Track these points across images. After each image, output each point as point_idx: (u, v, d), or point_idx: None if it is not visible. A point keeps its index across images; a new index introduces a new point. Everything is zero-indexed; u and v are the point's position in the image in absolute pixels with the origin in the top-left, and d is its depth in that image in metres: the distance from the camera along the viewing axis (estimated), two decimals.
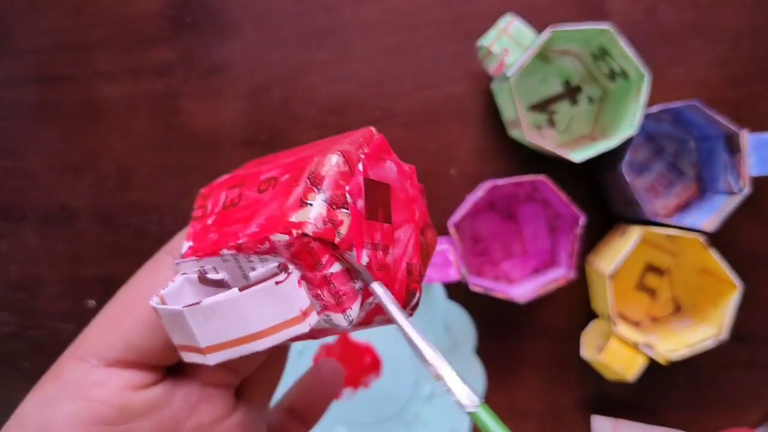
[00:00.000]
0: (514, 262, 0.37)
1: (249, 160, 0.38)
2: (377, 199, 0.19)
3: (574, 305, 0.38)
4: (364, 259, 0.17)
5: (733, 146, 0.33)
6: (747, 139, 0.33)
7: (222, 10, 0.38)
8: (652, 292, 0.37)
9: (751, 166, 0.33)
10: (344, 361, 0.37)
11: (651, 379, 0.37)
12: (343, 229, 0.16)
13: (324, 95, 0.38)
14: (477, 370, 0.37)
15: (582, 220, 0.33)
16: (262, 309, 0.16)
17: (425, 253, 0.20)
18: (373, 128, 0.19)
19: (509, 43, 0.33)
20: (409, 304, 0.19)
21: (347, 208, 0.17)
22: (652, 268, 0.37)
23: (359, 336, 0.37)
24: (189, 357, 0.18)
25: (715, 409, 0.38)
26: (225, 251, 0.17)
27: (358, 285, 0.17)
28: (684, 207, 0.37)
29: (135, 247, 0.39)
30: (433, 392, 0.38)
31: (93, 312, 0.40)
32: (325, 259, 0.16)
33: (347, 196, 0.17)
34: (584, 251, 0.37)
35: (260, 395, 0.23)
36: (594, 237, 0.37)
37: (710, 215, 0.34)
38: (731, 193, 0.33)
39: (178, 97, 0.39)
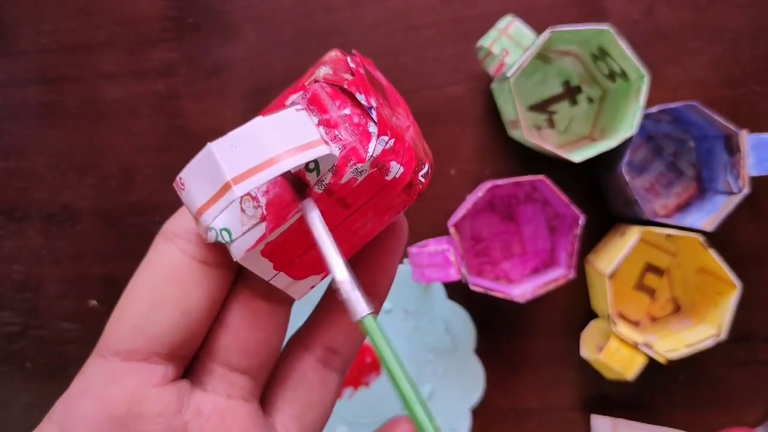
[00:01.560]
0: (513, 262, 0.37)
1: None
2: (374, 83, 0.20)
3: (574, 305, 0.38)
4: (374, 103, 0.18)
5: (732, 146, 0.33)
6: (746, 139, 0.33)
7: (223, 11, 0.39)
8: (651, 292, 0.37)
9: (750, 166, 0.33)
10: None
11: (650, 379, 0.37)
12: (350, 77, 0.19)
13: None
14: (477, 370, 0.38)
15: (581, 220, 0.33)
16: (284, 133, 0.17)
17: (421, 150, 0.21)
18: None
19: (509, 43, 0.33)
20: (419, 171, 0.20)
21: (352, 74, 0.19)
22: (652, 268, 0.37)
23: None
24: (210, 214, 0.17)
25: (715, 408, 0.38)
26: None
27: (371, 127, 0.18)
28: (683, 207, 0.37)
29: (137, 247, 0.40)
30: (433, 391, 0.38)
31: (95, 311, 0.40)
32: (338, 102, 0.18)
33: (350, 62, 0.19)
34: (584, 251, 0.37)
35: (293, 420, 0.22)
36: (594, 237, 0.38)
37: (709, 215, 0.34)
38: (730, 193, 0.34)
39: (180, 97, 0.39)
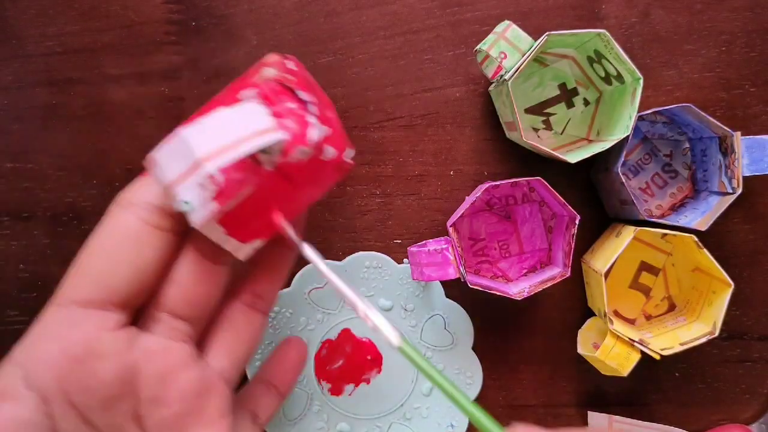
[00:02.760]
0: (511, 261, 0.38)
1: None
2: (309, 82, 0.24)
3: (571, 303, 0.39)
4: (312, 99, 0.22)
5: (726, 147, 0.34)
6: (740, 140, 0.33)
7: (226, 15, 0.39)
8: (646, 291, 0.37)
9: (744, 166, 0.33)
10: (347, 358, 0.38)
11: (646, 376, 0.38)
12: (293, 78, 0.22)
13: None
14: (475, 367, 0.38)
15: (578, 219, 0.33)
16: (246, 120, 0.20)
17: (347, 138, 0.26)
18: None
19: (507, 47, 0.34)
20: (348, 155, 0.25)
21: (293, 75, 0.23)
22: (647, 267, 0.37)
23: (361, 334, 0.38)
24: (184, 186, 0.20)
25: (709, 405, 0.38)
26: None
27: (311, 118, 0.22)
28: (678, 207, 0.37)
29: None
30: (433, 388, 0.38)
31: None
32: (284, 98, 0.22)
33: (286, 63, 0.23)
34: (580, 250, 0.38)
35: (224, 356, 0.26)
36: (590, 236, 0.38)
37: (704, 215, 0.34)
38: (725, 193, 0.34)
39: (184, 100, 0.40)
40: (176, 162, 0.20)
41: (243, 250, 0.24)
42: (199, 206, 0.21)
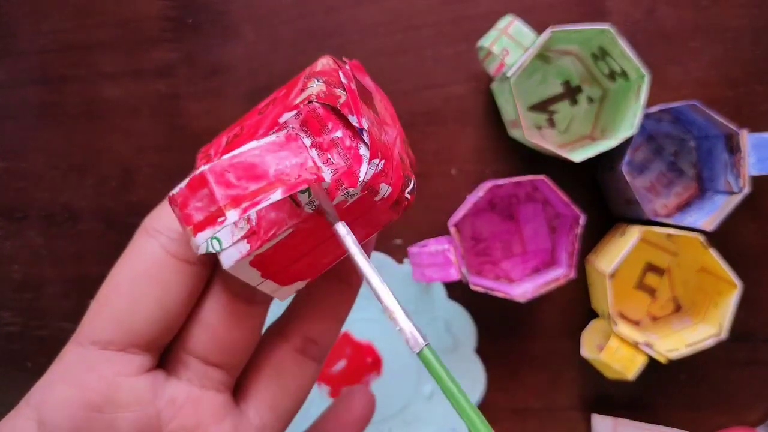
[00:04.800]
0: (514, 262, 0.37)
1: None
2: (364, 94, 0.20)
3: (574, 305, 0.38)
4: (365, 125, 0.18)
5: (732, 146, 0.33)
6: (747, 138, 0.33)
7: (223, 11, 0.39)
8: (652, 292, 0.37)
9: (751, 165, 0.33)
10: (346, 361, 0.37)
11: (651, 378, 0.37)
12: (343, 98, 0.18)
13: None
14: (477, 370, 0.38)
15: (582, 219, 0.33)
16: (278, 159, 0.17)
17: (407, 164, 0.21)
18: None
19: (509, 43, 0.33)
20: (406, 188, 0.20)
21: (343, 89, 0.18)
22: (652, 268, 0.37)
23: (361, 335, 0.38)
24: (204, 235, 0.18)
25: (716, 407, 0.38)
26: None
27: (362, 150, 0.18)
28: (684, 206, 0.37)
29: None
30: (434, 392, 0.38)
31: None
32: (330, 124, 0.18)
33: (341, 77, 0.19)
34: (584, 251, 0.37)
35: (268, 409, 0.22)
36: (594, 237, 0.38)
37: (710, 215, 0.34)
38: (731, 192, 0.34)
39: (180, 97, 0.39)
40: (198, 204, 0.17)
41: (282, 292, 0.21)
42: (229, 247, 0.18)
